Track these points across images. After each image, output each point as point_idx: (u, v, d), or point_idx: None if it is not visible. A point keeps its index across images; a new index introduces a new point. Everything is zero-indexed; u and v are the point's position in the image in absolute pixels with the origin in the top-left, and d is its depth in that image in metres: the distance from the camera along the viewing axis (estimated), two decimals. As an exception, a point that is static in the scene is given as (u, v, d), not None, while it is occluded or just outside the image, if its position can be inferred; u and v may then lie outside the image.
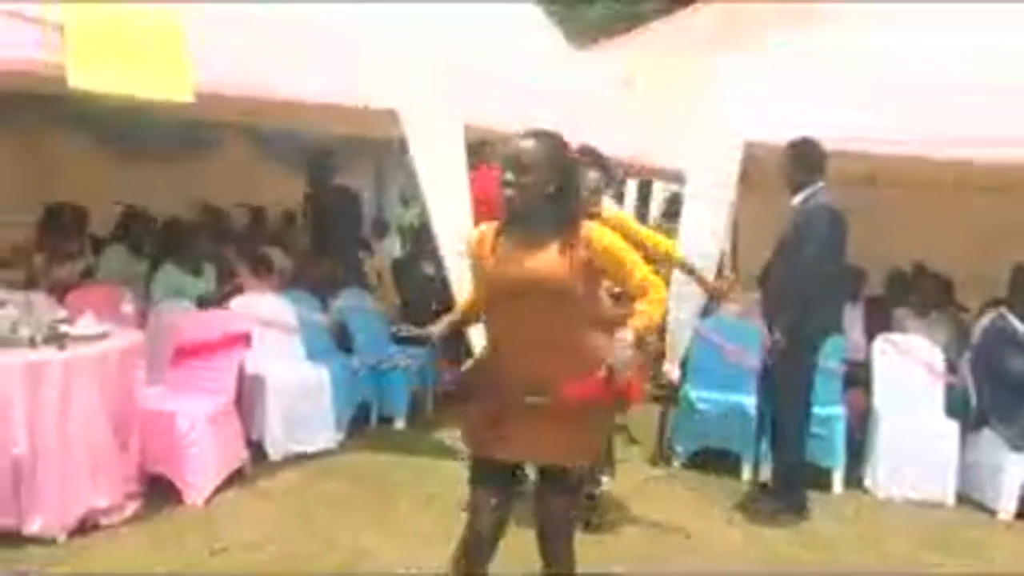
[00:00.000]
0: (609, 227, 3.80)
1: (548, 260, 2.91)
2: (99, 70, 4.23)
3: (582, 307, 2.97)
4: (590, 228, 2.97)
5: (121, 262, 6.60)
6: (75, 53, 4.14)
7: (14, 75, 4.26)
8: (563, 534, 3.03)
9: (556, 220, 2.93)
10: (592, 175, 4.49)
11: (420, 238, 7.73)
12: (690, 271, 5.04)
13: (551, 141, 2.97)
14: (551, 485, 2.99)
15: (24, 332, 4.24)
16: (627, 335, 2.82)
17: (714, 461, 5.75)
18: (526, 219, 2.95)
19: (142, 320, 5.52)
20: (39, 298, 4.61)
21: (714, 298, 5.80)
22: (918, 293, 6.62)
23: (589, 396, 2.87)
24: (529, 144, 2.92)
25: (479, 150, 5.84)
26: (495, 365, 3.02)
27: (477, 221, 6.74)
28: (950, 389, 5.84)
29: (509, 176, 2.90)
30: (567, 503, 3.02)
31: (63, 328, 4.39)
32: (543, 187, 2.90)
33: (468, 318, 3.30)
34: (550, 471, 2.99)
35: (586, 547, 4.17)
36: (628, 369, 2.78)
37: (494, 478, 3.01)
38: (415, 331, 3.22)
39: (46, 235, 6.33)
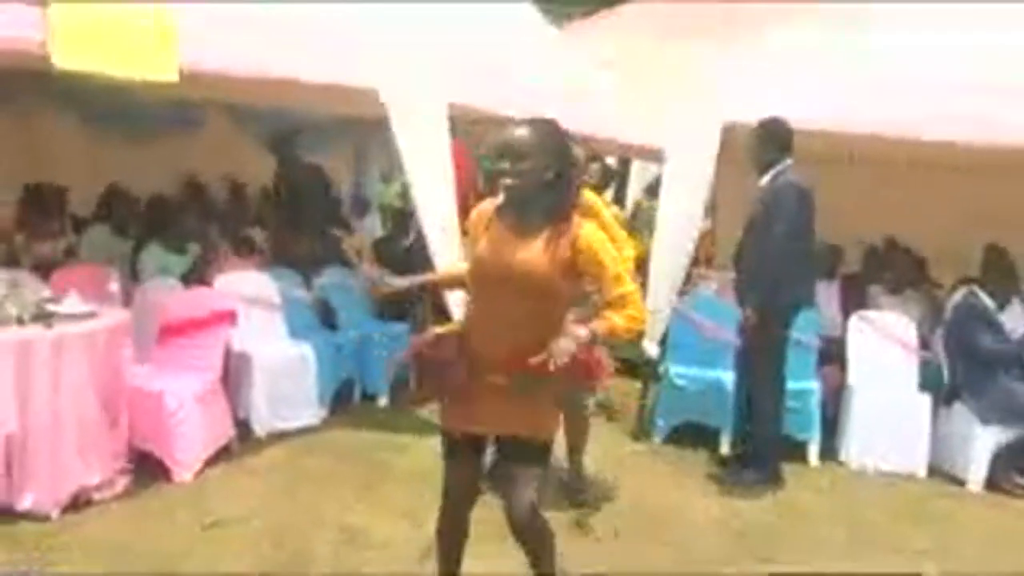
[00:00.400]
0: (581, 212, 3.85)
1: (534, 252, 2.93)
2: (83, 50, 4.23)
3: (560, 302, 3.02)
4: (580, 227, 2.98)
5: (104, 241, 6.61)
6: (58, 33, 4.14)
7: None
8: (529, 504, 3.01)
9: (550, 208, 2.95)
10: (593, 166, 4.57)
11: (401, 217, 7.77)
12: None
13: (548, 128, 2.98)
14: (515, 455, 3.05)
15: (11, 311, 4.26)
16: (579, 331, 2.84)
17: (693, 436, 5.87)
18: (521, 205, 2.97)
19: (126, 299, 5.54)
20: (25, 276, 4.62)
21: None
22: (892, 270, 6.75)
23: (537, 371, 2.85)
24: (524, 131, 2.92)
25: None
26: (468, 340, 3.07)
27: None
28: (924, 364, 6.00)
29: (505, 164, 2.90)
30: (529, 474, 3.02)
31: (50, 307, 4.42)
32: (541, 174, 2.90)
33: (448, 281, 3.44)
34: (510, 445, 3.06)
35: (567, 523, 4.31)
36: (564, 359, 2.78)
37: (462, 451, 3.13)
38: (393, 283, 3.33)
39: (26, 214, 6.31)
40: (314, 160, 8.16)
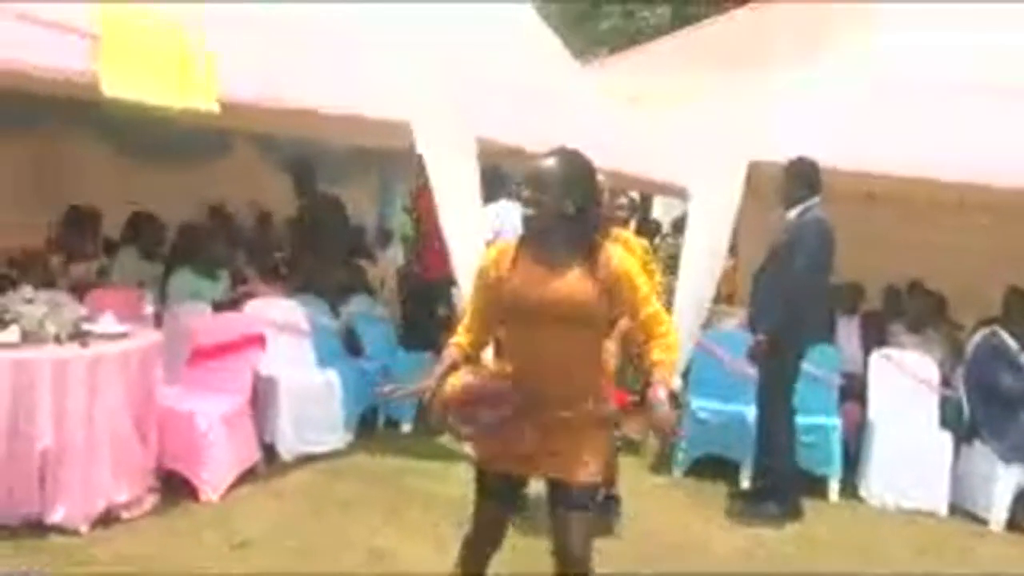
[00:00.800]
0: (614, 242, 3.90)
1: (573, 282, 2.90)
2: (130, 79, 4.37)
3: (601, 329, 3.04)
4: (612, 251, 2.98)
5: (133, 264, 6.72)
6: (107, 62, 4.28)
7: (34, 79, 4.39)
8: (585, 549, 2.97)
9: (574, 240, 2.92)
10: (621, 200, 4.66)
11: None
12: None
13: (573, 160, 2.95)
14: (571, 501, 2.96)
15: (50, 329, 4.36)
16: (660, 393, 2.81)
17: (714, 469, 5.89)
18: (543, 238, 2.93)
19: (157, 322, 5.64)
20: (63, 297, 4.72)
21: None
22: (913, 309, 6.79)
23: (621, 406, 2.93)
24: (550, 163, 2.91)
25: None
26: (512, 382, 2.96)
27: (427, 234, 6.94)
28: (944, 402, 6.01)
29: (528, 193, 2.90)
30: (587, 519, 2.99)
31: (86, 326, 4.53)
32: (562, 206, 2.87)
33: (469, 352, 3.07)
34: (564, 489, 2.97)
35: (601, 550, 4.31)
36: (669, 424, 2.82)
37: (501, 491, 3.06)
38: (405, 389, 3.12)
39: (64, 236, 6.44)
40: (336, 190, 8.29)
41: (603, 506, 4.69)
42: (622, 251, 3.05)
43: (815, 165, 5.25)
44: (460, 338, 3.08)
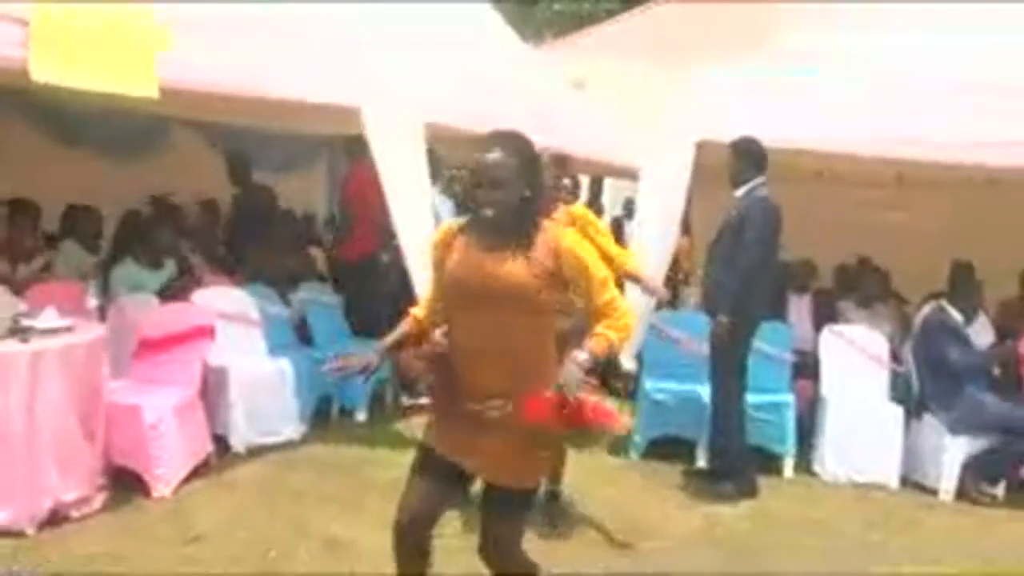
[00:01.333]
0: (570, 220, 3.87)
1: (510, 266, 2.77)
2: (62, 65, 4.25)
3: (547, 318, 2.87)
4: (559, 233, 2.86)
5: (75, 258, 6.55)
6: (38, 47, 4.15)
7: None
8: (510, 551, 2.92)
9: (517, 223, 2.81)
10: (566, 181, 4.63)
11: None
12: (635, 279, 5.13)
13: (521, 147, 2.82)
14: (498, 504, 2.88)
15: (-12, 326, 4.24)
16: (581, 356, 2.73)
17: (670, 449, 5.92)
18: (494, 225, 2.82)
19: (101, 315, 5.50)
20: (0, 293, 4.59)
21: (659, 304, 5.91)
22: (862, 286, 6.89)
23: (543, 418, 2.69)
24: (499, 157, 2.76)
25: (355, 147, 5.97)
26: (454, 368, 2.89)
27: (354, 218, 6.92)
28: (894, 376, 6.12)
29: (483, 194, 2.76)
30: (513, 524, 2.91)
31: (26, 321, 4.39)
32: (516, 197, 2.77)
33: (425, 327, 3.02)
34: (497, 489, 2.88)
35: (551, 540, 4.32)
36: (578, 390, 2.65)
37: (434, 472, 2.91)
38: (353, 360, 2.97)
39: (7, 234, 6.23)
40: (285, 178, 8.17)
41: (546, 504, 4.66)
42: (573, 235, 2.94)
43: (759, 145, 5.26)
44: (418, 310, 3.06)
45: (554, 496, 4.75)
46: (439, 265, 2.95)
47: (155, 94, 4.51)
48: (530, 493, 2.95)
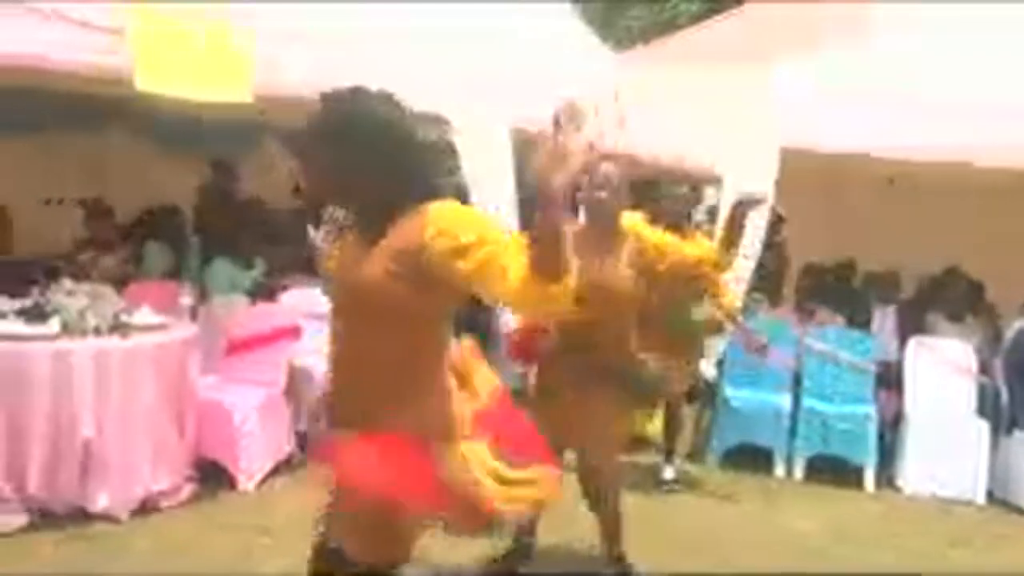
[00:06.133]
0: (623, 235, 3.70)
1: (360, 263, 2.19)
2: (163, 74, 4.45)
3: (410, 329, 2.19)
4: (430, 216, 2.10)
5: (159, 257, 6.82)
6: (140, 57, 4.36)
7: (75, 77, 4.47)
8: None
9: (371, 209, 2.24)
10: (680, 190, 4.61)
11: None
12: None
13: (337, 108, 2.23)
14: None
15: (91, 321, 4.45)
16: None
17: (748, 457, 5.87)
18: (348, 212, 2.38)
19: (193, 314, 5.72)
20: (104, 289, 4.82)
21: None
22: (951, 297, 6.69)
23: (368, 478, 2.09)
24: (311, 125, 2.24)
25: None
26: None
27: None
28: (982, 390, 5.94)
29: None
30: None
31: (125, 318, 4.61)
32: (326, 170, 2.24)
33: None
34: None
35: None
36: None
37: None
38: None
39: (92, 230, 6.54)
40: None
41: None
42: (449, 213, 2.12)
43: None
44: None
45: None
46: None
47: (249, 99, 4.68)
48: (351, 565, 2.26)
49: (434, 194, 2.18)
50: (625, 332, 3.68)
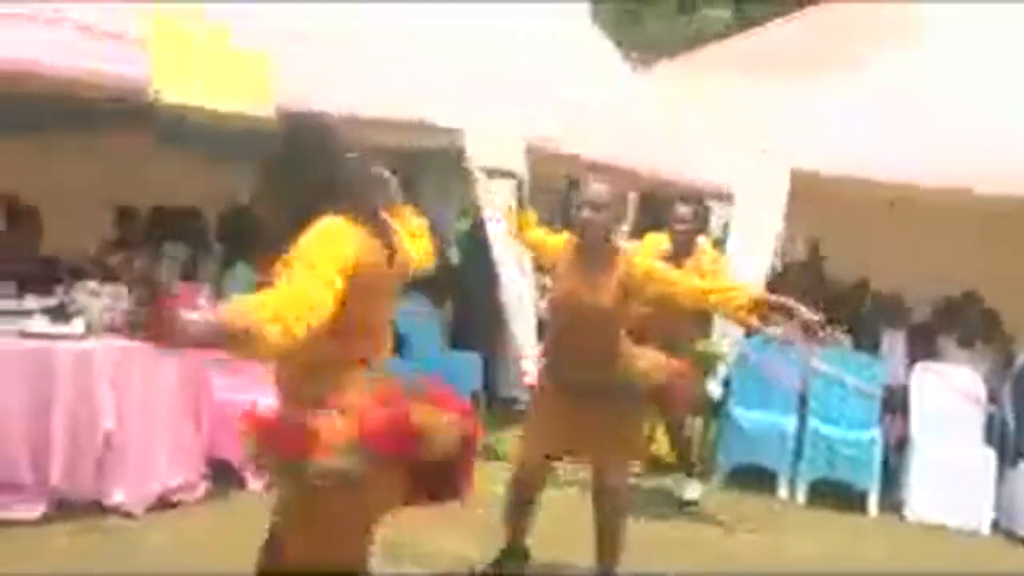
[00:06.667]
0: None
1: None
2: (185, 84, 4.57)
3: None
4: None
5: (177, 259, 6.91)
6: (161, 68, 4.47)
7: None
8: None
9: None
10: (683, 209, 4.68)
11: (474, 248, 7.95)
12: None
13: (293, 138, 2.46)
14: None
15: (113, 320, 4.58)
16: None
17: (752, 478, 5.90)
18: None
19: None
20: (125, 290, 4.94)
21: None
22: (964, 322, 6.68)
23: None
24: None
25: None
26: None
27: None
28: (990, 418, 5.95)
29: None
30: None
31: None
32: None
33: None
34: None
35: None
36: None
37: None
38: None
39: (122, 234, 6.66)
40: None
41: None
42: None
43: None
44: None
45: None
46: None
47: (271, 111, 4.78)
48: None
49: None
50: (613, 347, 3.73)
